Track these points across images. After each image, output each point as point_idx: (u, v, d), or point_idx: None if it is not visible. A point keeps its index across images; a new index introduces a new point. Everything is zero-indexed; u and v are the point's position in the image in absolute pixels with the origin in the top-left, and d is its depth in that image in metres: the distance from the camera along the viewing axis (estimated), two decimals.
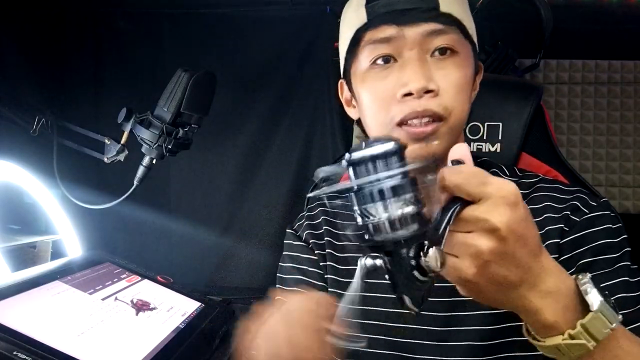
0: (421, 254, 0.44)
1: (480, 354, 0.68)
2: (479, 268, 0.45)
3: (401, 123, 0.66)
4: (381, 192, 0.44)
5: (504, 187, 0.45)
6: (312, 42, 1.61)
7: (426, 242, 0.44)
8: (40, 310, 0.83)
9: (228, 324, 1.10)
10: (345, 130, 1.59)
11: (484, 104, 0.93)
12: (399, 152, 0.45)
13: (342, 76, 0.77)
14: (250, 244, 1.65)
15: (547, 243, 0.68)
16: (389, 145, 0.44)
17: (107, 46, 1.66)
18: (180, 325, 0.99)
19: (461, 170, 0.46)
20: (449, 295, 0.69)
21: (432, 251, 0.43)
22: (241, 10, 1.62)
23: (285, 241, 0.85)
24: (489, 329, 0.68)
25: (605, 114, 1.62)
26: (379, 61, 0.68)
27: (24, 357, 0.69)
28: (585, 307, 0.49)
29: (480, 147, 1.01)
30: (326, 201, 0.83)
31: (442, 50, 0.66)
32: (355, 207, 0.46)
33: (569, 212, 0.69)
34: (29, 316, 0.80)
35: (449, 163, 0.48)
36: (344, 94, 0.78)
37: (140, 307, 0.99)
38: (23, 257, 1.25)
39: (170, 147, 1.17)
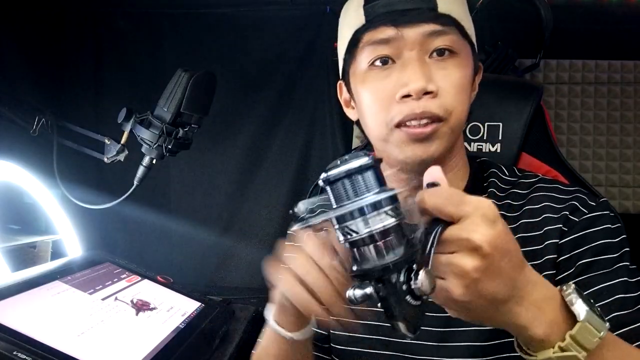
0: (412, 277, 0.44)
1: (480, 354, 0.68)
2: (465, 287, 0.45)
3: (400, 124, 0.66)
4: (360, 209, 0.43)
5: (481, 205, 0.46)
6: (312, 42, 1.61)
7: (414, 266, 0.44)
8: (40, 310, 0.83)
9: (228, 324, 1.10)
10: (345, 130, 1.59)
11: (484, 104, 0.93)
12: (374, 166, 0.44)
13: (340, 77, 0.77)
14: (250, 244, 1.65)
15: (546, 243, 0.68)
16: (364, 160, 0.44)
17: (107, 46, 1.67)
18: (180, 325, 0.99)
19: (438, 191, 0.47)
20: None
21: (422, 274, 0.43)
22: (241, 10, 1.62)
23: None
24: (489, 329, 0.68)
25: (605, 114, 1.62)
26: (378, 62, 0.68)
27: (24, 357, 0.69)
28: (572, 318, 0.49)
29: (481, 147, 1.01)
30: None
31: (441, 51, 0.66)
32: (337, 227, 0.45)
33: (568, 213, 0.69)
34: (29, 316, 0.80)
35: (425, 186, 0.49)
36: (343, 95, 0.78)
37: (140, 307, 0.99)
38: (23, 257, 1.25)
39: (170, 147, 1.17)
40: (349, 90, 0.75)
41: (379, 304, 0.46)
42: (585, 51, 1.61)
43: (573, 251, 0.67)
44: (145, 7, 1.64)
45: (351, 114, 0.78)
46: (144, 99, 1.27)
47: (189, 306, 1.09)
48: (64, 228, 1.31)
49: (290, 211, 0.49)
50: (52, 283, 0.93)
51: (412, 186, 0.48)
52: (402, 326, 0.45)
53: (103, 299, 0.95)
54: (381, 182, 0.45)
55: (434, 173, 0.49)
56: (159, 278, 1.16)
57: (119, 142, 1.21)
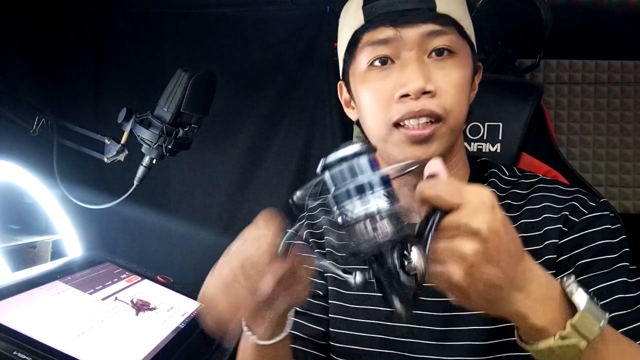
0: (405, 253, 0.46)
1: (480, 353, 0.68)
2: (465, 271, 0.46)
3: (398, 123, 0.66)
4: (356, 188, 0.46)
5: (480, 193, 0.47)
6: (312, 42, 1.61)
7: (410, 246, 0.46)
8: (40, 310, 0.83)
9: None
10: (345, 131, 1.59)
11: (484, 104, 0.92)
12: (369, 152, 0.48)
13: (340, 77, 0.77)
14: None
15: (546, 243, 0.68)
16: (359, 146, 0.48)
17: (107, 46, 1.67)
18: (180, 325, 0.99)
19: (438, 182, 0.49)
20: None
21: (415, 250, 0.45)
22: (241, 10, 1.62)
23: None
24: (489, 328, 0.68)
25: (605, 114, 1.62)
26: (377, 62, 0.68)
27: (24, 357, 0.69)
28: (572, 308, 0.50)
29: (481, 147, 1.01)
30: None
31: (440, 51, 0.66)
32: (335, 208, 0.48)
33: (568, 213, 0.69)
34: (29, 316, 0.80)
35: (425, 178, 0.50)
36: (343, 95, 0.78)
37: (140, 307, 0.99)
38: (23, 257, 1.25)
39: (170, 147, 1.17)
40: (349, 90, 0.75)
41: (375, 286, 0.48)
42: (585, 51, 1.61)
43: (573, 251, 0.67)
44: (145, 7, 1.64)
45: (351, 114, 0.78)
46: (144, 99, 1.27)
47: (189, 306, 1.09)
48: (64, 228, 1.31)
49: (290, 200, 0.53)
50: (52, 283, 0.93)
51: (411, 186, 0.49)
52: (397, 304, 0.47)
53: (103, 299, 0.95)
54: (375, 167, 0.48)
55: (434, 166, 0.50)
56: (159, 278, 1.16)
57: (119, 142, 1.21)
